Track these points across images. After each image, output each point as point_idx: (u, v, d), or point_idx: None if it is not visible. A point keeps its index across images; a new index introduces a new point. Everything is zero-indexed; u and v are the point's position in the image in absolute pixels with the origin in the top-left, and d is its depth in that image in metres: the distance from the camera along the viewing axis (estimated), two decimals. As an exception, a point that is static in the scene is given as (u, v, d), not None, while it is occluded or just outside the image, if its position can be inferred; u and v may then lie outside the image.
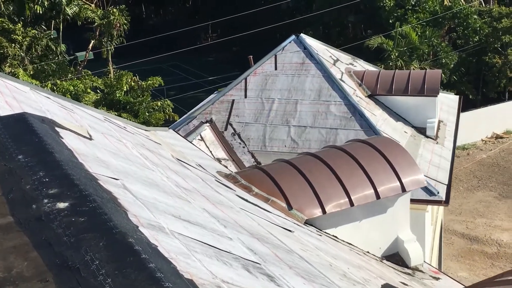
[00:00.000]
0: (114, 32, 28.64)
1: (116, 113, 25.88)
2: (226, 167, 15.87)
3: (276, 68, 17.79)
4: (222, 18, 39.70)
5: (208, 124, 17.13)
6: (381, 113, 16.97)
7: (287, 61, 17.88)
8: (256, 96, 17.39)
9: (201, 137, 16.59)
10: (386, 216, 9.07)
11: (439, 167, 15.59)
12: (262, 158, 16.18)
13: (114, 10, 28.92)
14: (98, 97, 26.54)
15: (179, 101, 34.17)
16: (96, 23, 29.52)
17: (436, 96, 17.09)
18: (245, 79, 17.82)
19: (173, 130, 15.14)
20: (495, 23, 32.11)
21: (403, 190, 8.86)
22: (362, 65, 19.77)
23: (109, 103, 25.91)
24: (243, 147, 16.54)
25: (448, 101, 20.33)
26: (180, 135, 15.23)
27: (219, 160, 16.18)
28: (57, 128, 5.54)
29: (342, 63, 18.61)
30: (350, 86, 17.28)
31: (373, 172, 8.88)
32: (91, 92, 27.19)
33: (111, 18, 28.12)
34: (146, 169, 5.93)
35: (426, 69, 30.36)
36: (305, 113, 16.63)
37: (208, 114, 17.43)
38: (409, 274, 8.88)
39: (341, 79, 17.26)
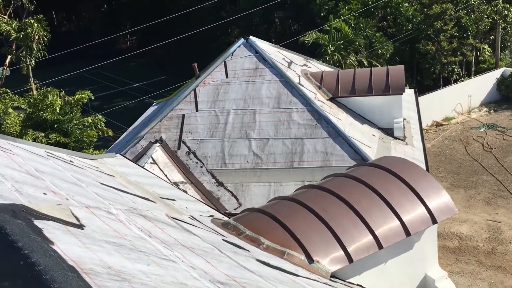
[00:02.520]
0: (33, 45, 25.94)
1: (43, 134, 23.43)
2: (186, 191, 14.10)
3: (227, 76, 16.09)
4: (141, 26, 37.46)
5: (158, 144, 15.25)
6: (346, 117, 15.61)
7: (238, 67, 16.20)
8: (208, 108, 15.64)
9: (153, 159, 14.70)
10: (413, 252, 7.62)
11: (415, 171, 14.35)
12: (223, 178, 14.49)
13: (32, 21, 26.17)
14: (22, 118, 23.93)
15: (109, 113, 31.82)
16: (12, 37, 26.69)
17: (402, 94, 15.90)
18: (194, 90, 16.02)
19: (121, 154, 13.25)
20: (425, 9, 31.54)
21: (434, 221, 7.44)
22: (316, 66, 18.36)
23: (35, 123, 23.38)
24: (201, 166, 14.77)
25: (404, 96, 19.20)
26: (128, 159, 13.37)
27: (176, 184, 14.37)
28: (37, 223, 3.71)
29: (296, 65, 17.12)
30: (310, 90, 15.82)
31: (397, 203, 7.40)
32: (13, 112, 24.54)
33: (29, 30, 25.42)
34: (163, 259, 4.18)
35: (363, 61, 29.47)
36: (266, 124, 15.03)
37: (157, 133, 15.53)
38: (447, 319, 7.50)
39: (299, 83, 15.76)
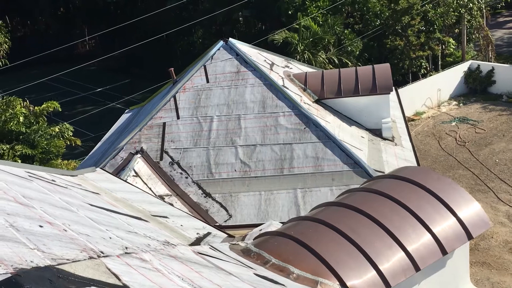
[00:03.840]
0: (-6, 53, 24.58)
1: (8, 146, 22.21)
2: (172, 204, 13.30)
3: (208, 81, 15.30)
4: (101, 31, 36.19)
5: (139, 155, 14.38)
6: (333, 119, 15.01)
7: (219, 71, 15.43)
8: (190, 115, 14.84)
9: (135, 172, 13.83)
10: (446, 270, 7.03)
11: (409, 173, 13.84)
12: (210, 188, 13.72)
13: (-9, 28, 24.82)
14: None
15: (72, 120, 30.56)
16: (-31, 45, 25.27)
17: (390, 93, 15.38)
18: (174, 97, 15.18)
19: (101, 168, 12.42)
20: (393, 5, 31.26)
21: (470, 237, 6.86)
22: (297, 67, 17.70)
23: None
24: (186, 177, 13.97)
25: (385, 94, 18.72)
26: (109, 173, 12.55)
27: (161, 197, 13.55)
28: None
29: (278, 67, 16.44)
30: (295, 93, 15.16)
31: (429, 219, 6.80)
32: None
33: (-12, 38, 24.09)
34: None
35: (333, 59, 28.99)
36: (252, 130, 14.32)
37: (137, 143, 14.65)
38: None
39: (284, 86, 15.09)
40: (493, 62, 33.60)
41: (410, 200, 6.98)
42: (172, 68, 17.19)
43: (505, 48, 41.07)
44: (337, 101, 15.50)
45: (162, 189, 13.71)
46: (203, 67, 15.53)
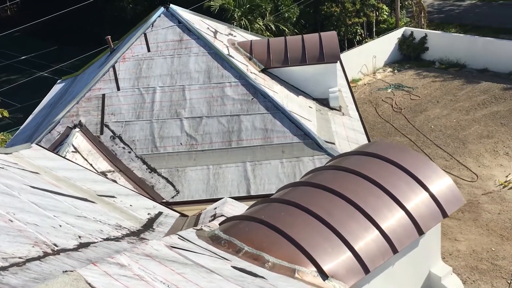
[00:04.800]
0: None
1: None
2: (115, 181, 12.62)
3: (149, 50, 14.52)
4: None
5: (77, 129, 13.55)
6: (281, 89, 14.58)
7: (160, 39, 14.66)
8: (131, 86, 14.06)
9: (74, 147, 13.02)
10: (418, 250, 6.79)
11: (358, 143, 13.68)
12: (155, 163, 13.10)
13: None
14: None
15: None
16: None
17: (337, 62, 15.05)
18: (113, 67, 14.33)
19: (36, 144, 11.63)
20: (328, -30, 30.97)
21: (445, 215, 6.61)
22: (241, 35, 17.09)
23: None
24: (129, 152, 13.28)
25: (328, 62, 18.41)
26: (46, 149, 11.73)
27: (104, 174, 12.84)
28: None
29: (222, 35, 15.79)
30: (241, 62, 14.61)
31: (405, 198, 6.50)
32: None
33: None
34: None
35: (270, 25, 28.49)
36: (197, 101, 13.71)
37: (75, 116, 13.79)
38: (460, 320, 6.77)
39: (229, 55, 14.49)
40: (426, 29, 33.94)
41: (383, 178, 6.63)
42: (109, 36, 16.24)
43: (436, 15, 41.63)
44: (283, 70, 15.06)
45: (104, 165, 12.98)
46: (143, 35, 14.71)
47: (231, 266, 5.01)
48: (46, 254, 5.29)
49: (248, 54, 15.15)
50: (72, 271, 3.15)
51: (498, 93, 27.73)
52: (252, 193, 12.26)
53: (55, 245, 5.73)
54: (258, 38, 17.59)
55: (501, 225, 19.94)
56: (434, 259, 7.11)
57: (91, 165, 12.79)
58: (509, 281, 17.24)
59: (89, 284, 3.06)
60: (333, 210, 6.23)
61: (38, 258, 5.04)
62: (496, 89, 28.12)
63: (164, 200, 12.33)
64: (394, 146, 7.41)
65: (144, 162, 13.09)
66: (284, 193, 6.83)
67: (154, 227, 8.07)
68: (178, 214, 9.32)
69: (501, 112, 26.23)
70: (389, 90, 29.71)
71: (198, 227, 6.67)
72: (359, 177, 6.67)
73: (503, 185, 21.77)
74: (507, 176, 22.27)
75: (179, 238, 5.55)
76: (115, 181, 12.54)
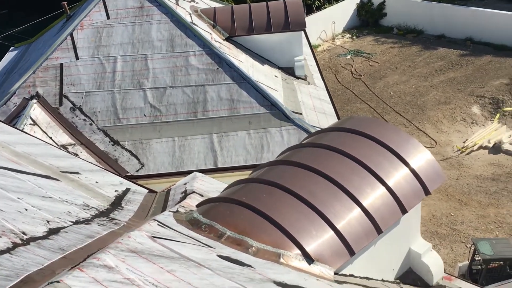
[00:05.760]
0: None
1: None
2: (77, 154, 12.17)
3: (108, 17, 13.89)
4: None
5: (35, 100, 12.94)
6: (246, 58, 14.20)
7: (120, 6, 14.03)
8: (91, 56, 13.47)
9: (32, 120, 12.44)
10: (399, 227, 6.65)
11: (325, 113, 13.50)
12: (118, 135, 12.65)
13: None
14: None
15: None
16: None
17: (303, 30, 14.71)
18: (71, 35, 13.67)
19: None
20: None
21: (427, 192, 6.47)
22: (204, 1, 16.54)
23: None
24: (90, 124, 12.78)
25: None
26: (1, 121, 11.19)
27: (64, 147, 12.34)
28: None
29: (184, 1, 15.23)
30: (205, 30, 14.13)
31: (387, 176, 6.32)
32: None
33: None
34: None
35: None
36: (160, 71, 13.24)
37: (31, 87, 13.15)
38: (440, 298, 6.69)
39: (192, 23, 13.99)
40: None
41: (365, 155, 6.42)
42: (65, 2, 15.49)
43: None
44: (248, 39, 14.65)
45: (64, 138, 12.46)
46: (101, 1, 14.05)
47: (217, 256, 4.73)
48: (15, 245, 4.92)
49: (212, 22, 14.67)
50: (58, 281, 2.81)
51: (455, 59, 27.92)
52: (220, 166, 11.99)
53: (24, 233, 5.36)
54: (221, 5, 17.09)
55: (459, 190, 20.23)
56: (414, 237, 7.00)
57: (51, 138, 12.27)
58: (467, 245, 17.54)
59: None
60: (316, 190, 6.00)
61: (8, 250, 4.67)
62: (452, 55, 28.30)
63: (128, 174, 11.95)
64: (374, 122, 7.20)
65: (107, 135, 12.62)
66: (263, 172, 6.56)
67: (122, 205, 7.75)
68: (146, 191, 9.01)
69: (458, 78, 26.44)
70: (349, 57, 29.58)
71: (174, 209, 6.37)
72: (340, 155, 6.45)
73: (461, 151, 22.05)
74: (464, 142, 22.55)
75: (158, 224, 5.24)
76: (76, 155, 12.08)
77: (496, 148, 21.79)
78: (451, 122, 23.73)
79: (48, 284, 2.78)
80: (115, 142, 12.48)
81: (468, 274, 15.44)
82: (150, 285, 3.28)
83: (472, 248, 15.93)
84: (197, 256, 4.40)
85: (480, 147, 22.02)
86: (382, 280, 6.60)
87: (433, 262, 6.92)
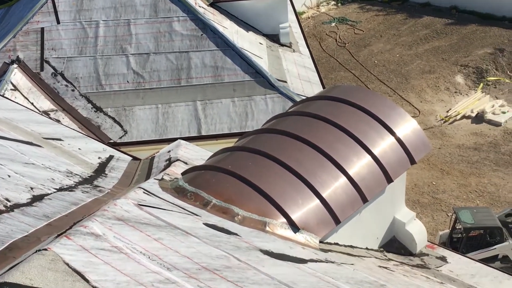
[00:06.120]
0: None
1: None
2: (59, 121, 12.06)
3: (90, -20, 13.63)
4: None
5: (15, 65, 12.75)
6: (230, 25, 14.06)
7: (103, -31, 13.76)
8: (72, 20, 13.26)
9: (13, 85, 12.28)
10: (384, 196, 6.68)
11: (310, 81, 13.47)
12: (101, 102, 12.54)
13: None
14: None
15: None
16: None
17: (288, -4, 14.60)
18: (52, -2, 13.43)
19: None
20: None
21: (412, 162, 6.48)
22: (188, -35, 16.25)
23: None
24: (72, 90, 12.64)
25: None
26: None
27: (46, 113, 12.23)
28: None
29: (168, -34, 14.96)
30: (189, -5, 13.94)
31: (373, 145, 6.30)
32: None
33: None
34: None
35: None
36: (144, 36, 13.08)
37: (12, 51, 12.95)
38: (423, 266, 6.79)
39: (176, -13, 13.80)
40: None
41: (351, 124, 6.40)
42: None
43: None
44: (233, 4, 14.49)
45: (46, 104, 12.33)
46: (84, -36, 13.75)
47: (203, 224, 4.74)
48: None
49: (196, -13, 14.47)
50: (46, 249, 2.80)
51: (440, 27, 27.89)
52: (203, 133, 11.98)
53: (7, 200, 5.33)
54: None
55: (442, 160, 20.43)
56: (399, 206, 7.04)
57: (32, 104, 12.13)
58: (448, 214, 17.79)
59: (68, 264, 2.73)
60: (302, 159, 5.99)
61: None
62: (438, 23, 28.25)
63: (111, 141, 11.89)
64: (360, 90, 7.18)
65: (89, 101, 12.50)
66: (248, 140, 6.53)
67: (106, 172, 7.72)
68: (130, 158, 8.97)
69: (442, 47, 26.46)
70: (333, 24, 29.43)
71: (159, 177, 6.36)
72: (326, 124, 6.42)
73: (444, 120, 22.21)
74: (447, 111, 22.69)
75: (144, 192, 5.22)
76: (58, 121, 11.97)
77: (479, 118, 21.97)
78: (435, 92, 23.83)
79: (36, 252, 2.77)
80: (98, 109, 12.38)
81: (449, 242, 15.69)
82: (138, 253, 3.27)
83: (453, 216, 16.15)
84: (184, 224, 4.40)
85: (463, 117, 22.18)
86: (367, 248, 6.64)
87: (417, 231, 6.98)
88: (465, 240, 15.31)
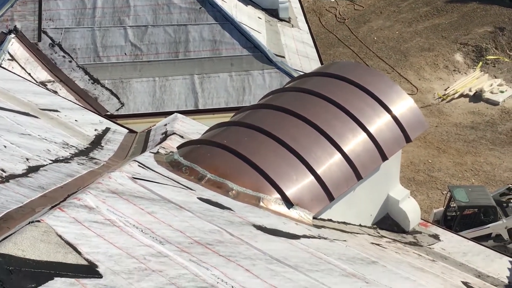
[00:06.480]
0: None
1: None
2: (56, 92, 12.02)
3: (88, -50, 13.47)
4: None
5: (13, 35, 12.66)
6: (229, -2, 13.96)
7: None
8: (70, -10, 13.14)
9: (11, 55, 12.21)
10: (379, 174, 6.70)
11: (308, 57, 13.43)
12: (98, 73, 12.51)
13: None
14: None
15: None
16: None
17: (287, -31, 14.47)
18: (50, -33, 13.29)
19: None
20: None
21: (408, 140, 6.50)
22: None
23: None
24: (70, 61, 12.59)
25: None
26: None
27: (43, 84, 12.18)
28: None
29: None
30: (185, -32, 13.80)
31: (369, 122, 6.32)
32: None
33: None
34: None
35: None
36: (142, 8, 12.99)
37: (9, 21, 12.85)
38: (415, 244, 6.84)
39: (173, -41, 13.65)
40: None
41: (348, 101, 6.40)
42: None
43: None
44: (231, -23, 14.35)
45: (43, 74, 12.28)
46: None
47: (197, 198, 4.76)
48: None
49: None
50: (38, 221, 2.81)
51: (440, 5, 27.70)
52: (200, 107, 11.97)
53: (3, 170, 5.34)
54: None
55: (438, 138, 20.47)
56: (393, 183, 7.07)
57: (29, 74, 12.08)
58: (443, 192, 17.88)
59: (60, 236, 2.75)
60: (297, 135, 6.00)
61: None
62: (438, 1, 28.04)
63: (108, 113, 11.87)
64: (357, 67, 7.16)
65: (86, 73, 12.46)
66: (244, 115, 6.52)
67: (102, 144, 7.73)
68: (126, 130, 8.98)
69: (442, 24, 26.31)
70: (333, 0, 29.20)
71: (155, 150, 6.36)
72: (323, 100, 6.42)
73: (442, 98, 22.19)
74: (445, 89, 22.66)
75: (139, 165, 5.23)
76: (56, 92, 11.94)
77: (477, 97, 21.95)
78: (434, 69, 23.77)
79: (29, 223, 2.78)
80: (95, 80, 12.34)
81: (443, 221, 15.78)
82: (131, 227, 3.29)
83: (448, 195, 16.23)
84: (178, 198, 4.42)
85: (461, 95, 22.17)
86: (360, 225, 6.69)
87: (411, 209, 7.02)
88: (459, 218, 15.41)
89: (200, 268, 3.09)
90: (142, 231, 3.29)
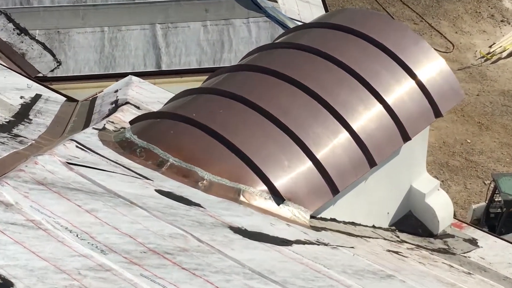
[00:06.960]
0: None
1: None
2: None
3: None
4: None
5: None
6: None
7: None
8: None
9: None
10: (399, 159, 6.79)
11: (309, 1, 13.55)
12: (27, 22, 12.55)
13: None
14: None
15: None
16: None
17: None
18: None
19: None
20: None
21: (438, 114, 6.59)
22: None
23: None
24: (-13, 4, 12.59)
25: None
26: None
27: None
28: None
29: None
30: None
31: (386, 90, 6.42)
32: None
33: None
34: None
35: None
36: None
37: None
38: (446, 251, 6.93)
39: None
40: None
41: (358, 62, 6.45)
42: None
43: None
44: None
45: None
46: None
47: (155, 191, 4.78)
48: None
49: None
50: None
51: None
52: (164, 68, 12.05)
53: None
54: None
55: (480, 110, 20.62)
56: (418, 171, 7.17)
57: None
58: (486, 182, 18.05)
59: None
60: (290, 106, 6.09)
61: None
62: None
63: (40, 75, 11.92)
64: (372, 16, 7.21)
65: (10, 20, 12.51)
66: (221, 80, 6.58)
67: (30, 117, 7.80)
68: (64, 99, 9.06)
69: (488, -41, 26.40)
70: None
71: (100, 126, 6.38)
72: (325, 60, 6.50)
73: (485, 58, 22.30)
74: (490, 46, 22.78)
75: (77, 146, 5.25)
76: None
77: (531, 56, 22.12)
78: (475, 20, 23.87)
79: None
80: (22, 31, 12.41)
81: (484, 219, 15.94)
82: (62, 230, 3.31)
83: (492, 185, 16.37)
84: (128, 191, 4.46)
85: (510, 54, 22.28)
86: (373, 226, 6.80)
87: (441, 205, 7.16)
88: (505, 216, 15.56)
89: (155, 286, 3.11)
90: (77, 235, 3.32)
